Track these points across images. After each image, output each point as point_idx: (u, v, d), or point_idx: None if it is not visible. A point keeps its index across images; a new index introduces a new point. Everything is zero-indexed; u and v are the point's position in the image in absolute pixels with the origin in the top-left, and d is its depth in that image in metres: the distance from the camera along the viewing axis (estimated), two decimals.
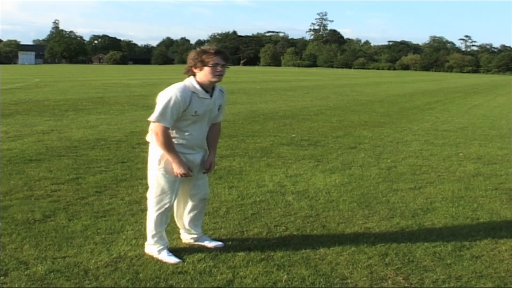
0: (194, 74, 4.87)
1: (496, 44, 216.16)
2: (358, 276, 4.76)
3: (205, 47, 4.93)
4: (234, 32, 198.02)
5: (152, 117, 4.76)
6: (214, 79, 4.84)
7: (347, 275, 4.77)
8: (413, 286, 4.62)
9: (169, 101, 4.71)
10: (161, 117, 4.72)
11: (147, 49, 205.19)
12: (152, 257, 4.98)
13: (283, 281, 4.58)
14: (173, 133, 4.88)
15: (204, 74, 4.83)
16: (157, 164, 4.94)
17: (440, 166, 9.84)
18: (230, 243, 5.41)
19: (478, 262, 5.18)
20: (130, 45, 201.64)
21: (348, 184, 8.11)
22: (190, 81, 4.87)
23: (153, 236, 5.05)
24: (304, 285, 4.53)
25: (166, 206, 5.01)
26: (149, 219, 5.08)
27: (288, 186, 7.82)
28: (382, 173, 8.98)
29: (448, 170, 9.46)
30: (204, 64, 4.79)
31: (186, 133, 4.92)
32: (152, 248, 5.06)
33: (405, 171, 9.23)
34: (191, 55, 4.88)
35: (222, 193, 7.29)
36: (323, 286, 4.52)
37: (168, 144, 4.81)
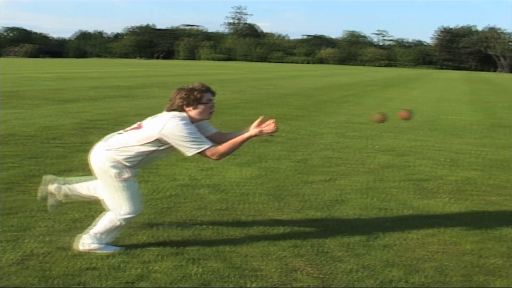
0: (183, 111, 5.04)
1: (410, 38, 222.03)
2: (270, 267, 4.86)
3: (193, 85, 5.12)
4: (150, 26, 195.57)
5: (192, 152, 4.90)
6: (208, 117, 5.13)
7: (259, 267, 4.86)
8: (324, 276, 4.75)
9: (187, 130, 4.87)
10: (198, 144, 4.84)
11: (61, 42, 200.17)
12: (62, 254, 4.94)
13: (196, 274, 4.62)
14: (140, 150, 5.03)
15: (198, 112, 5.04)
16: (118, 176, 4.98)
17: (353, 158, 10.12)
18: (140, 238, 5.41)
19: (388, 251, 5.38)
20: (44, 37, 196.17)
21: (262, 177, 8.25)
22: (185, 116, 5.02)
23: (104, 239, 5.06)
24: (216, 277, 4.59)
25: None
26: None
27: (201, 180, 7.89)
28: (296, 165, 9.16)
29: (360, 162, 9.74)
30: (198, 102, 5.00)
31: (154, 158, 5.21)
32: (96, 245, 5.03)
33: (318, 163, 9.45)
34: (180, 94, 5.05)
35: None
36: (235, 279, 4.58)
37: (228, 150, 5.01)
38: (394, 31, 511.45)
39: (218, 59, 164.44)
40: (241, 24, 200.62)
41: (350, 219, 6.45)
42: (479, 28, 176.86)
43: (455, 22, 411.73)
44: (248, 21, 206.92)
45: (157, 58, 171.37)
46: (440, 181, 8.58)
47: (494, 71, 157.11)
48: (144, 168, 8.04)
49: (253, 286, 4.46)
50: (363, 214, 6.65)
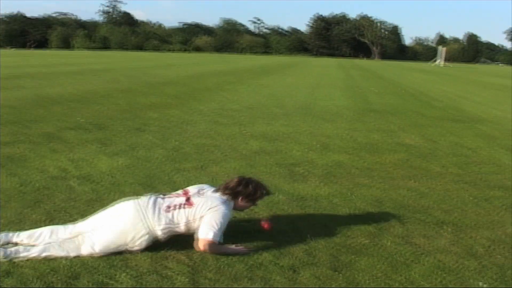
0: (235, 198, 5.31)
1: (285, 26, 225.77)
2: (141, 256, 4.88)
3: (260, 184, 5.49)
4: (21, 13, 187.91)
5: (209, 237, 4.90)
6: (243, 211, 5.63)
7: (130, 256, 4.86)
8: (195, 262, 4.82)
9: (225, 219, 5.04)
10: (217, 235, 4.95)
11: None
12: None
13: (64, 267, 4.58)
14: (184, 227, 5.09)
15: (245, 206, 5.45)
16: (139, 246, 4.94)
17: (225, 145, 10.24)
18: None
19: (260, 235, 5.50)
20: None
21: (133, 166, 8.21)
22: (232, 205, 5.28)
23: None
24: (85, 269, 4.57)
25: None
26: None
27: (71, 171, 7.75)
28: (168, 154, 9.17)
29: (233, 149, 9.88)
30: (254, 200, 5.42)
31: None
32: None
33: (190, 151, 9.50)
34: (250, 189, 5.34)
35: (3, 181, 7.05)
36: (105, 269, 4.58)
37: (222, 251, 4.97)
38: (270, 19, 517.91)
39: (93, 48, 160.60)
40: (115, 13, 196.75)
41: None
42: (353, 16, 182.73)
43: (329, 10, 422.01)
44: (123, 10, 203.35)
45: (30, 47, 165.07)
46: (311, 165, 8.86)
47: (368, 58, 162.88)
48: (11, 161, 7.85)
49: (123, 276, 4.45)
50: None
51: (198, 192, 5.26)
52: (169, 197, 5.19)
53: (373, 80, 37.40)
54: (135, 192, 6.81)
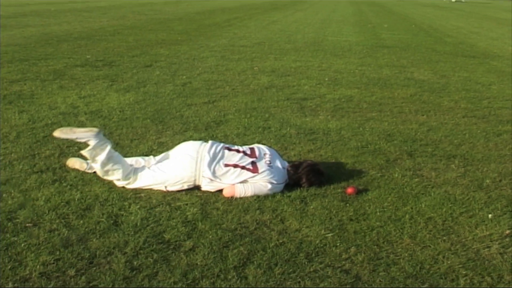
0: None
1: None
2: (152, 190, 4.96)
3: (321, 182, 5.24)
4: None
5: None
6: None
7: (140, 189, 4.95)
8: (202, 194, 4.90)
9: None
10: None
11: None
12: None
13: (76, 199, 4.66)
14: None
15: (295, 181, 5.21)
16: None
17: (234, 80, 10.27)
18: (21, 167, 5.36)
19: None
20: None
21: (142, 101, 8.26)
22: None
23: None
24: (97, 202, 4.65)
25: None
26: None
27: (81, 107, 7.81)
28: (177, 89, 9.21)
29: (242, 84, 9.91)
30: (306, 184, 5.19)
31: None
32: None
33: (200, 86, 9.54)
34: (314, 180, 5.15)
35: (12, 118, 7.12)
36: (117, 201, 4.66)
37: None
38: None
39: None
40: None
41: (230, 137, 6.65)
42: None
43: None
44: None
45: None
46: (321, 99, 8.90)
47: None
48: (21, 98, 7.91)
49: (137, 207, 4.54)
50: (243, 132, 6.84)
51: (267, 159, 5.09)
52: (235, 152, 5.05)
53: (384, 15, 36.96)
54: (145, 126, 6.88)
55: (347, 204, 4.77)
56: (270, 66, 12.05)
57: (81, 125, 6.88)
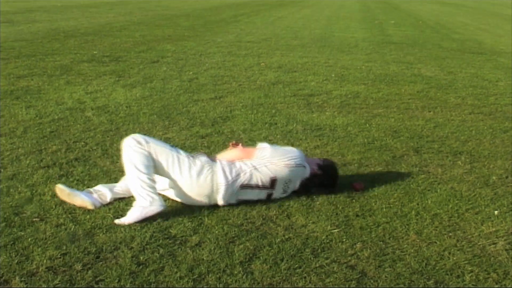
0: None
1: None
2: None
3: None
4: None
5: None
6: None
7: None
8: None
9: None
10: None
11: None
12: None
13: None
14: None
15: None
16: None
17: (241, 76, 10.28)
18: (28, 162, 5.37)
19: None
20: None
21: (149, 97, 8.27)
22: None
23: None
24: None
25: None
26: None
27: (88, 103, 7.82)
28: (184, 85, 9.22)
29: (249, 79, 9.92)
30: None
31: None
32: None
33: (206, 82, 9.55)
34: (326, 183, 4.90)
35: (19, 113, 7.14)
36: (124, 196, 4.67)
37: None
38: None
39: None
40: None
41: (237, 133, 6.65)
42: None
43: None
44: None
45: None
46: (327, 95, 8.90)
47: None
48: (28, 94, 7.94)
49: None
50: (250, 128, 6.85)
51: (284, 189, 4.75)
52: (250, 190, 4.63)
53: (391, 12, 36.88)
54: (151, 122, 6.90)
55: (353, 200, 4.78)
56: (276, 62, 12.05)
57: (88, 120, 6.90)
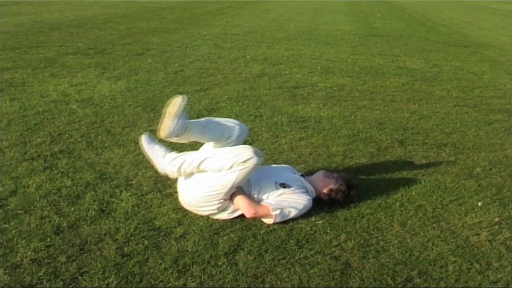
0: None
1: None
2: (141, 176, 4.98)
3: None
4: None
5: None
6: None
7: (132, 176, 4.97)
8: None
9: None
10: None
11: None
12: None
13: (68, 187, 4.67)
14: None
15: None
16: None
17: (227, 68, 10.28)
18: (12, 154, 5.36)
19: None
20: None
21: (134, 89, 8.25)
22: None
23: None
24: (88, 188, 4.66)
25: None
26: None
27: (72, 95, 7.79)
28: (169, 77, 9.21)
29: (234, 72, 9.92)
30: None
31: None
32: None
33: (192, 74, 9.54)
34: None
35: (4, 105, 7.10)
36: (108, 188, 4.68)
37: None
38: None
39: None
40: None
41: None
42: None
43: None
44: None
45: None
46: (313, 88, 8.92)
47: None
48: (12, 86, 7.90)
49: (128, 194, 4.56)
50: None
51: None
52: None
53: (378, 5, 36.94)
54: (136, 114, 6.89)
55: None
56: (262, 55, 12.06)
57: (72, 113, 6.88)
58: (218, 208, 4.17)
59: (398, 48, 14.46)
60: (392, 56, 12.81)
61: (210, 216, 4.22)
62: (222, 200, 4.14)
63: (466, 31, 20.61)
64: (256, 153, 4.06)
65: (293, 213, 4.22)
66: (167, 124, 4.16)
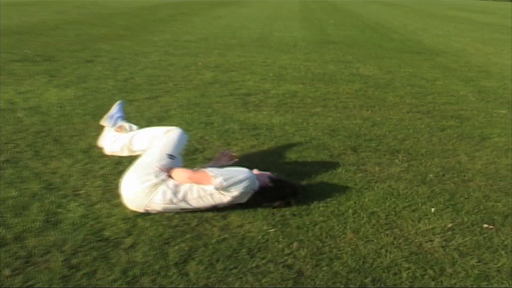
0: None
1: None
2: (90, 185, 4.92)
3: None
4: None
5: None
6: None
7: (80, 186, 4.91)
8: None
9: None
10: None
11: None
12: None
13: (13, 197, 4.58)
14: None
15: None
16: None
17: (178, 75, 10.26)
18: None
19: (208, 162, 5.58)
20: None
21: (83, 97, 8.17)
22: None
23: None
24: (34, 199, 4.58)
25: None
26: None
27: (19, 103, 7.67)
28: (119, 84, 9.15)
29: (185, 79, 9.90)
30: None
31: None
32: None
33: (142, 81, 9.49)
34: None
35: None
36: (55, 199, 4.60)
37: None
38: None
39: None
40: None
41: None
42: None
43: None
44: None
45: None
46: (265, 95, 8.96)
47: None
48: None
49: (76, 205, 4.50)
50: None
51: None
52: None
53: (332, 12, 37.32)
54: (85, 122, 6.81)
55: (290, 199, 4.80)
56: (214, 62, 12.07)
57: (19, 121, 6.78)
58: (156, 177, 4.43)
59: (352, 54, 14.62)
60: (345, 63, 12.95)
61: (156, 199, 4.35)
62: (157, 169, 4.46)
63: (420, 38, 20.95)
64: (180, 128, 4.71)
65: (233, 181, 4.42)
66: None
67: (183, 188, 4.45)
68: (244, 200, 4.59)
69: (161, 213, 4.39)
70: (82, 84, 9.09)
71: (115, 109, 5.60)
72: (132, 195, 4.43)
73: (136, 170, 4.55)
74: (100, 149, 5.56)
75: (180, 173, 4.53)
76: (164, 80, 9.74)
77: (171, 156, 4.66)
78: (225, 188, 4.43)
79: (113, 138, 5.26)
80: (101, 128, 6.39)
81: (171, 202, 4.39)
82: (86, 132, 6.45)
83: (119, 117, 5.52)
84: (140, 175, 4.47)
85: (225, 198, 4.48)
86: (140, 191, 4.39)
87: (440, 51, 16.79)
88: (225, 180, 4.40)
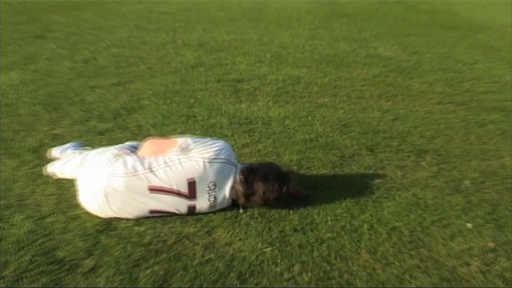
0: None
1: None
2: (41, 193, 4.92)
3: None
4: None
5: None
6: None
7: (27, 194, 4.90)
8: None
9: None
10: None
11: None
12: None
13: None
14: None
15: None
16: None
17: (152, 56, 10.24)
18: None
19: None
20: None
21: (32, 82, 8.16)
22: None
23: None
24: None
25: None
26: None
27: None
28: (77, 67, 9.13)
29: (162, 61, 9.89)
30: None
31: None
32: None
33: (107, 63, 9.47)
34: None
35: None
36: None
37: None
38: None
39: None
40: None
41: (145, 127, 6.61)
42: None
43: None
44: None
45: None
46: (260, 81, 8.95)
47: None
48: None
49: (22, 218, 4.49)
50: (161, 122, 6.81)
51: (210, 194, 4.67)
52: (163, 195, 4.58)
53: None
54: (35, 114, 6.80)
55: (291, 211, 4.81)
56: (197, 39, 12.05)
57: None
58: (116, 154, 4.63)
59: (369, 31, 14.60)
60: (360, 41, 12.93)
61: (117, 171, 4.42)
62: (116, 151, 4.71)
63: (455, 9, 20.90)
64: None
65: (202, 141, 4.61)
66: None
67: (148, 159, 4.54)
68: (227, 193, 4.62)
69: (127, 217, 4.42)
70: (30, 65, 9.07)
71: (68, 144, 5.69)
72: (88, 181, 4.51)
73: (92, 164, 4.65)
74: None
75: (144, 148, 4.74)
76: (134, 61, 9.73)
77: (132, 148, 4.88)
78: (194, 148, 4.51)
79: (64, 160, 5.25)
80: (55, 121, 6.41)
81: (135, 172, 4.40)
82: (36, 126, 6.45)
83: (70, 147, 5.62)
84: (97, 162, 4.61)
85: (198, 164, 4.45)
86: (96, 169, 4.50)
87: (481, 26, 16.76)
88: (193, 141, 4.55)
